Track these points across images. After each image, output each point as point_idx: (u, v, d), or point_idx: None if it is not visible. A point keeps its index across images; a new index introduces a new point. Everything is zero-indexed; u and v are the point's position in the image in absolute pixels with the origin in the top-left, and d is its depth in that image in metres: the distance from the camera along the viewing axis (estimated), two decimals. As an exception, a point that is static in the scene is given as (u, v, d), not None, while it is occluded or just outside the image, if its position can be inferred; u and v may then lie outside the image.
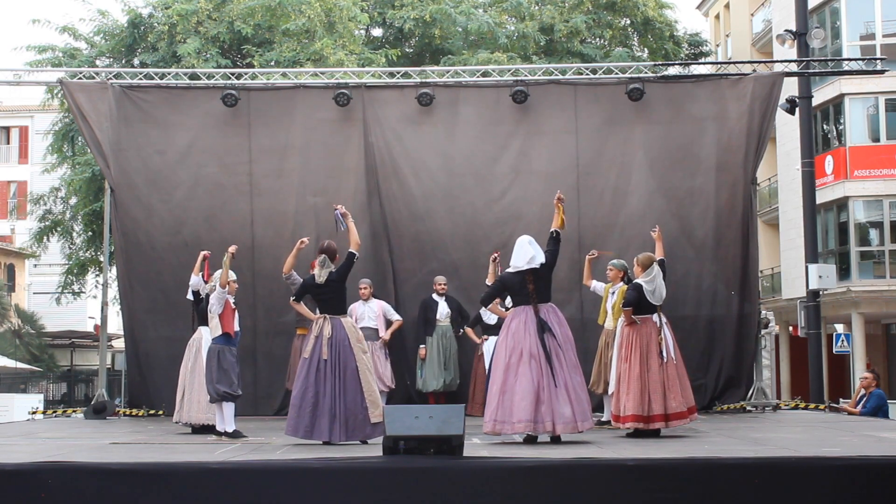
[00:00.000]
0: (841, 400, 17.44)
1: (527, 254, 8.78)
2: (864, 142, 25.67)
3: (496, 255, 11.34)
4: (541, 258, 8.78)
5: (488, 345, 11.97)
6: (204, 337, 10.00)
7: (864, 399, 13.02)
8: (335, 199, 13.06)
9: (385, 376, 12.13)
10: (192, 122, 13.20)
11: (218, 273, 9.65)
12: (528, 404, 8.42)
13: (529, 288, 8.72)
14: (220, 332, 9.45)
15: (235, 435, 9.30)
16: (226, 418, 9.40)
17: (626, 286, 10.14)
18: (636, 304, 9.25)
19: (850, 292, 24.83)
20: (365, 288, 12.16)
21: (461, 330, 12.48)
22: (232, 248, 9.67)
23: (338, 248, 9.15)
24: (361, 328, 12.10)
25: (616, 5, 22.81)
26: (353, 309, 11.89)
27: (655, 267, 9.35)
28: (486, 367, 11.77)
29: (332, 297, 8.94)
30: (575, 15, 22.18)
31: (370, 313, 12.15)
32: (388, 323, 12.32)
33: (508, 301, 9.65)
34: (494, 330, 11.88)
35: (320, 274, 8.93)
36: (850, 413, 13.12)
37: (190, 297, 10.54)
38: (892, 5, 25.63)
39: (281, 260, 10.46)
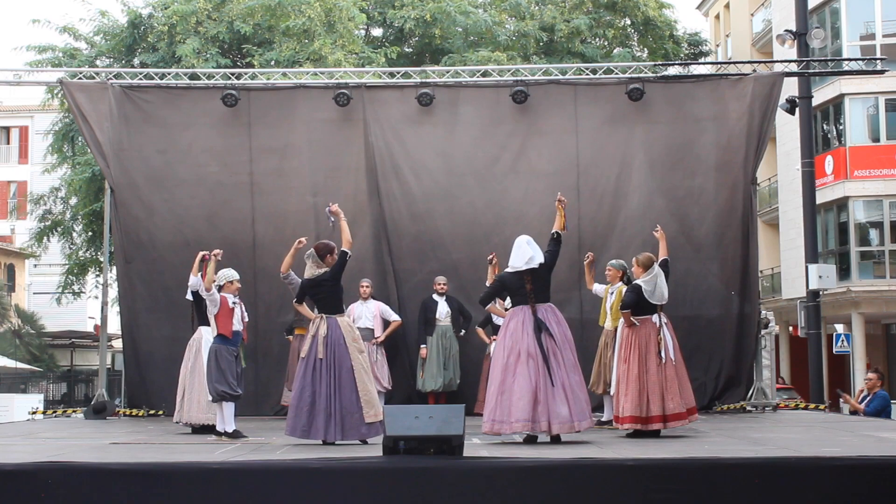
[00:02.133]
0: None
1: (525, 254, 8.78)
2: (864, 142, 25.68)
3: (492, 256, 11.36)
4: (539, 258, 8.78)
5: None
6: (204, 337, 10.00)
7: (868, 400, 12.98)
8: (335, 198, 12.99)
9: (382, 377, 12.13)
10: (193, 121, 13.20)
11: (222, 272, 9.66)
12: (526, 404, 8.42)
13: (527, 288, 8.72)
14: (216, 333, 9.46)
15: (235, 435, 9.29)
16: (225, 418, 9.40)
17: (624, 286, 10.14)
18: (634, 305, 9.23)
19: (850, 292, 24.84)
20: (366, 287, 12.17)
21: (462, 330, 12.48)
22: (217, 252, 9.71)
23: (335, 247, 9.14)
24: (360, 329, 12.13)
25: (616, 5, 22.83)
26: (352, 309, 11.90)
27: (656, 267, 9.32)
28: None
29: (328, 297, 8.92)
30: (576, 15, 22.19)
31: (367, 313, 12.17)
32: (386, 323, 12.33)
33: (508, 302, 9.67)
34: None
35: (312, 271, 8.92)
36: (855, 409, 13.07)
37: (189, 297, 10.53)
38: (892, 5, 25.65)
39: (282, 259, 10.47)
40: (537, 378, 8.47)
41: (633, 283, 9.39)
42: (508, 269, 8.89)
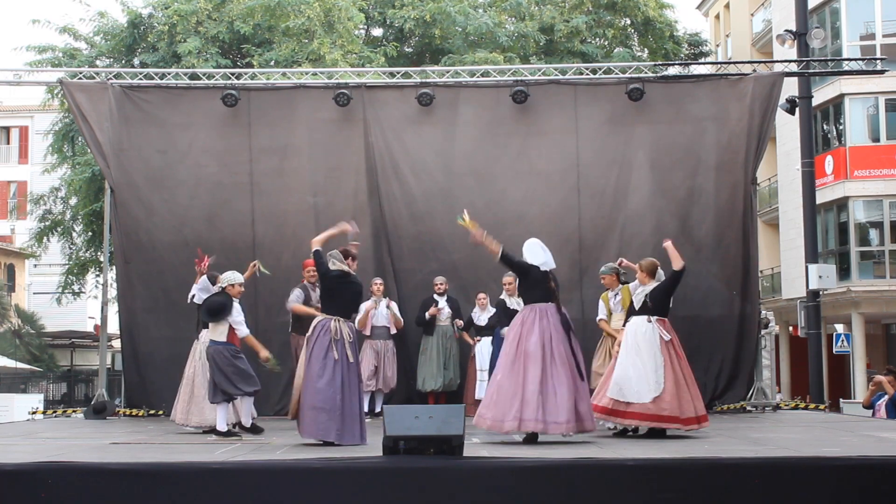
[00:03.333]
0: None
1: (541, 256, 8.81)
2: (864, 142, 25.68)
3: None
4: (552, 264, 8.83)
5: (480, 346, 12.04)
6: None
7: (885, 400, 12.84)
8: (335, 199, 13.12)
9: (392, 377, 12.16)
10: (193, 121, 13.20)
11: (226, 275, 9.56)
12: (572, 405, 8.45)
13: (551, 286, 8.74)
14: (224, 339, 9.39)
15: (255, 430, 9.34)
16: (245, 412, 9.40)
17: (627, 285, 10.15)
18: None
19: (850, 292, 24.83)
20: (379, 285, 12.18)
21: (458, 332, 12.50)
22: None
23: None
24: (376, 327, 12.14)
25: (616, 5, 22.81)
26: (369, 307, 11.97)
27: (660, 271, 9.35)
28: (479, 368, 11.87)
29: (355, 298, 8.93)
30: (575, 15, 22.18)
31: (384, 311, 12.19)
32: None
33: (514, 303, 9.67)
34: (486, 331, 11.98)
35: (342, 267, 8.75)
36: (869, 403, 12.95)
37: (197, 300, 10.43)
38: (892, 5, 25.65)
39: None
40: (573, 378, 8.52)
41: (664, 285, 9.24)
42: (531, 262, 8.80)
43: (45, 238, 24.01)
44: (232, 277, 9.59)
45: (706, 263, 12.84)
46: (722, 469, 6.49)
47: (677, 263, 9.27)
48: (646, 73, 13.64)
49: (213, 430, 9.70)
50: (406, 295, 12.95)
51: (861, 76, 18.35)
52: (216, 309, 9.53)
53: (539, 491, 6.29)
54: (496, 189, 13.13)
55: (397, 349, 12.58)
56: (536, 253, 8.84)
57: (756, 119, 12.76)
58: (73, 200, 22.70)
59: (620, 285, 10.55)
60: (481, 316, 12.23)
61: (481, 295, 12.06)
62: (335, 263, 8.77)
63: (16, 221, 40.33)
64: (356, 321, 10.08)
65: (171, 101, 13.23)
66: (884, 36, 25.50)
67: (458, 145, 13.21)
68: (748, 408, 12.41)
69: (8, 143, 45.06)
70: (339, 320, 8.62)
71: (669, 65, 16.08)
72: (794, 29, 17.16)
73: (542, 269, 8.78)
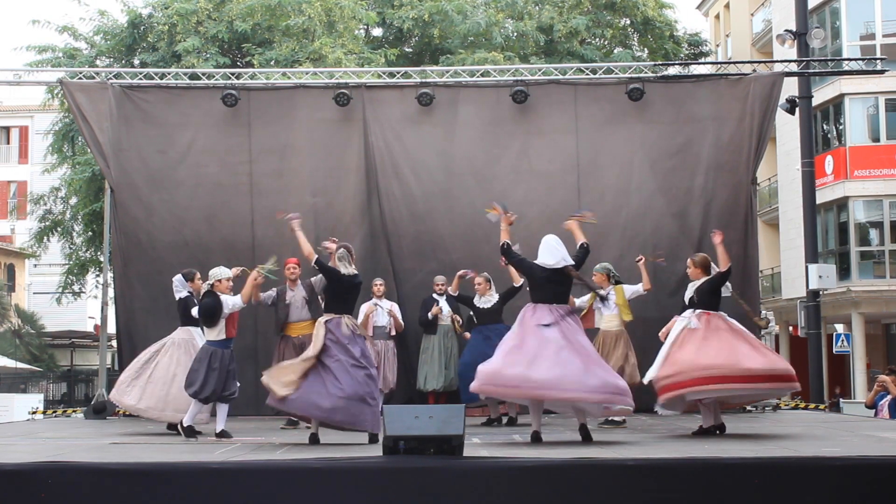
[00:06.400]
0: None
1: (557, 253, 8.67)
2: (864, 142, 25.69)
3: (465, 273, 11.34)
4: (569, 260, 8.68)
5: None
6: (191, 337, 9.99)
7: (888, 400, 12.83)
8: (335, 199, 13.13)
9: (392, 376, 12.14)
10: (193, 121, 13.20)
11: (214, 270, 9.51)
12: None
13: (558, 289, 8.61)
14: (224, 336, 9.36)
15: (223, 435, 9.27)
16: (220, 419, 9.37)
17: (620, 286, 10.22)
18: None
19: (850, 292, 24.83)
20: (379, 285, 12.15)
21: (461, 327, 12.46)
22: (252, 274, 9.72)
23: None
24: (376, 326, 12.12)
25: (616, 5, 22.83)
26: (369, 308, 11.92)
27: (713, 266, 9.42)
28: None
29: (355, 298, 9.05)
30: (574, 15, 22.18)
31: (384, 312, 12.16)
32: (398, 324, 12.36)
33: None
34: (490, 317, 11.82)
35: (347, 270, 8.84)
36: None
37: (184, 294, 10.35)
38: (892, 5, 25.66)
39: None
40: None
41: (712, 279, 9.38)
42: (539, 263, 8.69)
43: (45, 238, 24.04)
44: (219, 273, 9.47)
45: (706, 263, 12.83)
46: (722, 469, 6.48)
47: (724, 265, 9.47)
48: (646, 73, 13.65)
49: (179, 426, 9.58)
50: (406, 295, 12.94)
51: (861, 76, 18.35)
52: (210, 312, 9.37)
53: (539, 491, 6.29)
54: (496, 189, 13.10)
55: (398, 349, 12.57)
56: (549, 252, 8.69)
57: (756, 119, 12.77)
58: (73, 200, 22.73)
59: (612, 285, 10.54)
60: (481, 299, 12.01)
61: (478, 279, 11.78)
62: (346, 266, 8.87)
63: (16, 221, 40.32)
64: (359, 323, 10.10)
65: (170, 100, 13.24)
66: (884, 36, 25.49)
67: (458, 145, 13.21)
68: (748, 408, 12.40)
69: (8, 143, 45.06)
70: (348, 317, 8.82)
71: (669, 65, 16.09)
72: (794, 29, 17.16)
73: (548, 268, 8.60)
